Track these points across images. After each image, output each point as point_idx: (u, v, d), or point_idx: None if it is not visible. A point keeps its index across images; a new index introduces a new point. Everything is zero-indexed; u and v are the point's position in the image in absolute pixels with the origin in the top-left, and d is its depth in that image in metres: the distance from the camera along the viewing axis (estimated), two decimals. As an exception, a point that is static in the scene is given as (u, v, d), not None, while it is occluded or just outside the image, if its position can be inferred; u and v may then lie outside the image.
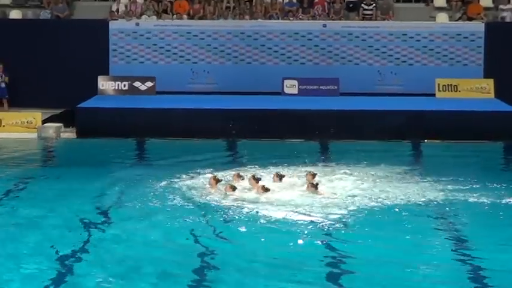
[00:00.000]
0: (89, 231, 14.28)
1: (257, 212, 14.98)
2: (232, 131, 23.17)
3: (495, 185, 17.45)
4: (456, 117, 24.01)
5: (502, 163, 21.97)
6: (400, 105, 25.28)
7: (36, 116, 24.81)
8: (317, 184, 16.44)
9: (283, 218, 14.69)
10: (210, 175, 17.34)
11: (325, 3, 29.43)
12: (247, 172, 17.78)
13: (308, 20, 28.96)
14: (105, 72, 28.22)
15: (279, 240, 13.55)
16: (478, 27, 28.33)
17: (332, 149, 22.79)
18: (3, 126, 24.69)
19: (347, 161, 19.89)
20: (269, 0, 29.53)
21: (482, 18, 28.73)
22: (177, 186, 17.24)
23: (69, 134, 24.37)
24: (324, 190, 16.41)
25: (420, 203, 16.05)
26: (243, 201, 15.68)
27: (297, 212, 15.04)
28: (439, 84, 27.67)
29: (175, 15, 29.06)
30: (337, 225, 14.37)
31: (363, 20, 29.00)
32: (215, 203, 15.72)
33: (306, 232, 13.98)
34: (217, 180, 16.80)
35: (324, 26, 28.53)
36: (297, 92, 27.72)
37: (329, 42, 28.44)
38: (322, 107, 24.66)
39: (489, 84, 27.53)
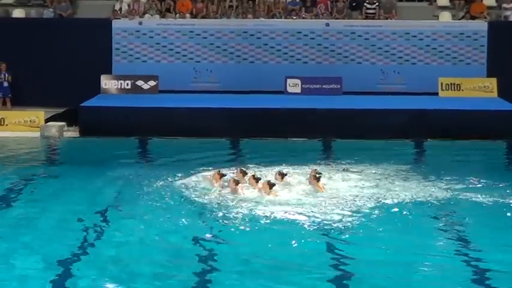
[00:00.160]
0: (91, 229, 14.26)
1: (258, 212, 14.91)
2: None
3: (498, 184, 17.42)
4: (459, 116, 23.99)
5: (505, 162, 21.95)
6: (403, 104, 25.27)
7: (39, 114, 24.83)
8: (319, 177, 16.40)
9: (284, 217, 14.64)
10: (213, 171, 17.29)
11: (328, 2, 29.44)
12: (250, 170, 17.75)
13: (311, 19, 28.96)
14: (108, 71, 28.24)
15: (280, 241, 13.49)
16: (481, 26, 28.31)
17: (335, 148, 22.78)
18: (6, 125, 24.72)
19: (350, 160, 19.87)
20: (272, -1, 29.58)
21: (485, 17, 28.72)
22: (179, 185, 17.21)
23: (72, 133, 24.39)
24: (324, 187, 16.36)
25: (423, 202, 16.00)
26: (244, 201, 15.60)
27: (298, 211, 14.97)
28: (442, 83, 27.67)
29: (178, 14, 29.07)
30: (339, 225, 14.31)
31: (365, 19, 29.00)
32: (217, 202, 15.66)
33: (307, 232, 13.94)
34: (222, 175, 16.75)
35: (327, 25, 28.52)
36: (299, 91, 27.73)
37: (332, 41, 28.43)
38: (325, 106, 24.63)
39: (492, 83, 27.52)
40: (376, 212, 15.12)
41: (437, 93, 27.54)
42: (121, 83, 27.88)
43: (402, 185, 17.24)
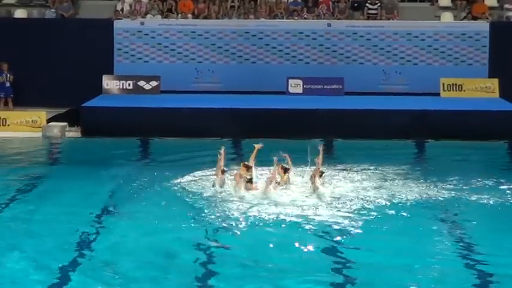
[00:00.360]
0: (92, 230, 14.27)
1: (258, 214, 14.86)
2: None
3: (500, 185, 17.43)
4: (461, 116, 24.00)
5: (507, 163, 21.92)
6: (404, 105, 25.27)
7: (40, 115, 24.84)
8: (321, 174, 16.38)
9: (285, 219, 14.57)
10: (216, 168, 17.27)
11: (330, 3, 29.44)
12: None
13: (313, 19, 28.96)
14: (109, 71, 28.26)
15: (280, 243, 13.43)
16: (482, 26, 28.31)
17: (336, 148, 22.77)
18: (8, 125, 24.73)
19: (351, 160, 19.88)
20: (274, -1, 29.59)
21: (487, 18, 28.72)
22: (181, 185, 17.22)
23: (73, 133, 24.40)
24: (323, 187, 16.35)
25: (425, 203, 15.99)
26: (244, 202, 15.56)
27: (298, 213, 14.93)
28: (443, 84, 27.67)
29: (180, 15, 29.08)
30: (339, 227, 14.27)
31: (367, 19, 29.00)
32: (218, 202, 15.65)
33: (307, 234, 13.90)
34: (223, 171, 16.72)
35: (329, 25, 28.53)
36: (301, 92, 27.74)
37: (334, 42, 28.44)
38: (326, 106, 24.63)
39: (494, 83, 27.53)
40: (378, 213, 15.08)
41: (439, 94, 27.56)
42: (123, 83, 27.90)
43: (404, 185, 17.23)
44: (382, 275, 12.02)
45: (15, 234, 13.99)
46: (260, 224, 14.37)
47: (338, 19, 28.94)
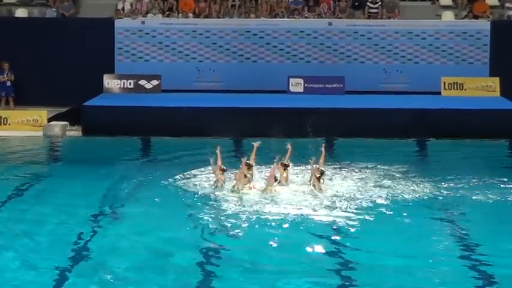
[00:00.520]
0: (93, 229, 14.26)
1: (258, 213, 14.82)
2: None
3: (501, 183, 17.41)
4: (462, 115, 23.99)
5: (508, 161, 21.90)
6: (405, 104, 25.26)
7: (42, 114, 24.85)
8: (320, 177, 16.36)
9: (285, 219, 14.53)
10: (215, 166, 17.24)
11: (331, 2, 29.44)
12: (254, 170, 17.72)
13: (314, 18, 28.96)
14: (110, 70, 28.26)
15: (281, 243, 13.39)
16: (483, 25, 28.30)
17: (337, 147, 22.76)
18: (9, 124, 24.74)
19: (352, 159, 19.83)
20: (275, -2, 29.59)
21: (488, 17, 28.71)
22: (182, 184, 17.21)
23: (74, 132, 24.41)
24: (323, 187, 16.31)
25: (426, 202, 15.98)
26: (245, 201, 15.54)
27: (299, 212, 14.89)
28: (444, 83, 27.66)
29: (180, 14, 29.07)
30: (340, 226, 14.24)
31: (368, 18, 29.01)
32: (220, 201, 15.64)
33: (308, 233, 13.86)
34: (223, 170, 16.70)
35: (330, 24, 28.53)
36: (302, 91, 27.73)
37: (335, 41, 28.43)
38: (327, 105, 24.63)
39: (495, 82, 27.51)
40: (378, 212, 15.04)
41: (440, 93, 27.54)
42: (124, 83, 27.91)
43: (404, 184, 17.20)
44: (382, 276, 11.94)
45: (15, 233, 13.97)
46: (260, 223, 14.32)
47: (339, 18, 28.94)
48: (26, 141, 23.41)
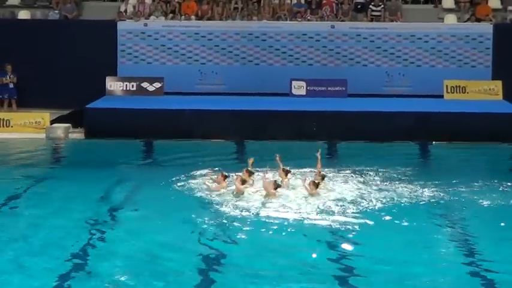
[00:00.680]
0: (94, 232, 14.24)
1: (260, 216, 14.83)
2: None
3: (504, 187, 17.39)
4: (464, 119, 23.98)
5: (511, 165, 21.89)
6: (408, 107, 25.25)
7: (44, 116, 24.86)
8: (318, 184, 16.35)
9: (286, 222, 14.48)
10: (217, 173, 17.26)
11: (334, 4, 29.44)
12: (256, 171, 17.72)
13: (316, 21, 28.97)
14: (113, 72, 28.29)
15: (282, 245, 13.38)
16: (486, 28, 28.30)
17: (339, 150, 22.77)
18: (12, 126, 24.74)
19: (354, 162, 19.79)
20: (277, 1, 29.58)
21: (490, 20, 28.71)
22: (184, 187, 17.19)
23: (77, 134, 24.40)
24: (320, 191, 16.28)
25: (428, 206, 15.94)
26: (247, 204, 15.51)
27: (300, 216, 14.83)
28: (447, 86, 27.67)
29: (183, 16, 29.09)
30: (342, 229, 14.21)
31: (371, 21, 29.00)
32: (221, 205, 15.58)
33: (310, 236, 13.84)
34: (225, 177, 16.72)
35: (332, 27, 28.54)
36: (305, 93, 27.74)
37: (337, 44, 28.45)
38: (330, 108, 24.62)
39: (497, 85, 27.51)
40: (380, 216, 14.97)
41: (442, 96, 27.55)
42: (126, 85, 27.93)
43: (407, 188, 17.17)
44: (383, 283, 11.88)
45: (11, 236, 13.94)
46: (259, 228, 14.26)
47: (341, 21, 28.94)
48: (28, 143, 23.42)
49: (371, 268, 12.38)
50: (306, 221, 14.60)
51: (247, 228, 14.24)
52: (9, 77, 27.86)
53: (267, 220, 14.64)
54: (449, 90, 27.65)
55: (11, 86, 27.93)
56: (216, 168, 18.13)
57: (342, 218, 14.75)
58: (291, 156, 20.46)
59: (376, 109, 24.70)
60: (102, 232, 14.33)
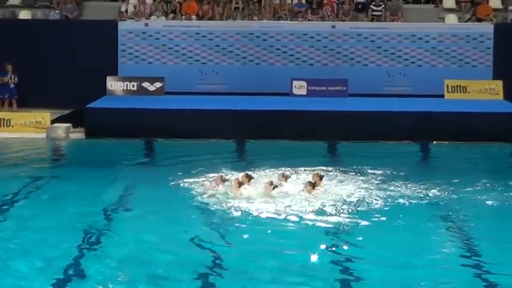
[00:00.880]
0: (95, 231, 14.21)
1: (260, 217, 14.76)
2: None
3: (505, 187, 17.36)
4: (465, 118, 23.97)
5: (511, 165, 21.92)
6: (408, 107, 25.24)
7: (45, 116, 24.86)
8: (315, 183, 16.33)
9: (285, 222, 14.46)
10: (217, 174, 17.25)
11: (334, 4, 29.44)
12: (255, 173, 17.71)
13: (317, 21, 28.96)
14: (113, 72, 28.29)
15: (283, 245, 13.30)
16: (487, 28, 28.30)
17: (340, 150, 22.77)
18: (12, 126, 24.74)
19: (355, 162, 19.78)
20: (278, 1, 29.57)
21: (491, 20, 28.70)
22: (184, 187, 17.16)
23: (78, 134, 24.40)
24: (318, 192, 16.24)
25: (429, 206, 15.91)
26: (247, 205, 15.45)
27: (302, 215, 14.79)
28: (447, 86, 27.67)
29: (184, 16, 29.09)
30: (343, 229, 14.16)
31: (371, 21, 29.00)
32: (221, 205, 15.53)
33: (311, 236, 13.78)
34: (224, 180, 16.74)
35: (333, 27, 28.53)
36: (305, 93, 27.73)
37: (338, 43, 28.44)
38: (330, 108, 24.62)
39: (498, 85, 27.51)
40: (380, 217, 14.89)
41: (443, 96, 27.55)
42: (127, 85, 27.93)
43: (408, 188, 17.13)
44: (384, 282, 11.84)
45: (18, 235, 13.94)
46: (263, 226, 14.26)
47: (342, 21, 28.94)
48: (29, 143, 23.40)
49: (370, 271, 12.29)
50: (303, 222, 14.52)
51: (244, 230, 14.14)
52: (10, 77, 27.85)
53: (263, 222, 14.55)
54: (450, 90, 27.65)
55: (12, 85, 27.93)
56: (217, 171, 18.05)
57: (341, 220, 14.64)
58: (291, 156, 20.56)
59: (377, 109, 24.70)
60: (102, 231, 14.31)
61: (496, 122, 23.86)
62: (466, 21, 29.01)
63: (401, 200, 16.11)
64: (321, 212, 15.06)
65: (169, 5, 29.61)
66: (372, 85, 27.88)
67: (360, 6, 29.55)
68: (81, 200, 16.51)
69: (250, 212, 15.06)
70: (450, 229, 14.65)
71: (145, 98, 27.02)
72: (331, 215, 14.92)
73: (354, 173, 18.46)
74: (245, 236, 13.88)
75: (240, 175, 16.92)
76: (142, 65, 28.55)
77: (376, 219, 14.77)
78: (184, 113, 24.22)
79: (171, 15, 29.30)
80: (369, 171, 18.71)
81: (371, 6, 29.21)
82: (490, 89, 27.57)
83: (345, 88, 27.70)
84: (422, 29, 28.34)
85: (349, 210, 15.24)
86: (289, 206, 15.37)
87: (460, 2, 29.72)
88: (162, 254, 12.95)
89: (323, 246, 13.29)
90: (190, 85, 28.25)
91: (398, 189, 17.03)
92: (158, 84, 27.87)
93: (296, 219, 14.66)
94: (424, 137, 23.39)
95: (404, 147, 22.80)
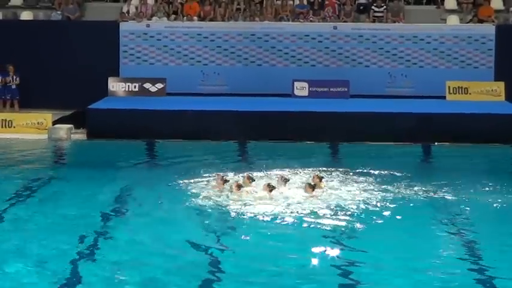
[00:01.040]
0: (96, 232, 14.23)
1: (260, 218, 14.75)
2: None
3: (506, 188, 17.36)
4: (466, 120, 23.95)
5: (513, 166, 21.94)
6: (410, 108, 25.22)
7: (46, 117, 24.88)
8: (314, 185, 16.31)
9: (288, 223, 14.44)
10: (218, 175, 17.24)
11: (336, 5, 29.43)
12: (256, 174, 17.71)
13: (318, 22, 28.95)
14: (115, 73, 28.29)
15: (283, 247, 13.28)
16: (488, 29, 28.28)
17: (341, 151, 22.77)
18: (14, 127, 24.77)
19: (356, 163, 19.76)
20: (280, 2, 29.56)
21: (493, 21, 28.69)
22: (185, 188, 17.18)
23: (79, 135, 24.42)
24: (318, 194, 16.21)
25: (430, 208, 15.93)
26: (247, 206, 15.44)
27: (300, 217, 14.75)
28: (449, 87, 27.66)
29: (185, 17, 29.09)
30: (343, 230, 14.14)
31: (373, 22, 28.99)
32: (221, 208, 15.53)
33: (309, 238, 13.71)
34: (225, 181, 16.74)
35: (335, 28, 28.52)
36: (307, 94, 27.72)
37: (339, 44, 28.43)
38: (332, 109, 24.62)
39: (500, 87, 27.50)
40: (381, 219, 14.88)
41: (444, 97, 27.53)
42: (128, 86, 27.94)
43: (409, 189, 17.15)
44: (386, 279, 11.86)
45: (12, 236, 13.94)
46: (263, 228, 14.24)
47: (344, 22, 28.92)
48: (30, 144, 23.44)
49: (371, 274, 12.25)
50: (301, 224, 14.47)
51: (242, 233, 14.10)
52: (12, 78, 27.85)
53: (261, 224, 14.51)
54: (451, 91, 27.64)
55: (13, 86, 27.93)
56: (218, 172, 18.00)
57: (342, 222, 14.59)
58: (293, 157, 20.57)
59: (378, 110, 24.68)
60: (103, 232, 14.34)
61: (497, 123, 23.84)
62: (467, 23, 29.00)
63: (402, 202, 16.11)
64: (320, 214, 15.03)
65: (170, 6, 29.61)
66: (373, 86, 27.87)
67: (361, 7, 29.55)
68: (82, 201, 16.52)
69: (249, 214, 15.04)
70: (451, 232, 14.63)
71: (147, 99, 27.03)
72: (330, 217, 14.89)
73: (354, 175, 18.46)
74: (243, 239, 13.85)
75: (242, 177, 16.92)
76: (144, 66, 28.55)
77: (376, 221, 14.76)
78: (186, 114, 24.22)
79: (173, 16, 29.30)
80: (370, 172, 18.72)
81: (373, 7, 29.20)
82: (492, 90, 27.56)
83: (346, 89, 27.68)
84: (424, 30, 28.33)
85: (349, 212, 15.21)
86: (288, 208, 15.33)
87: (461, 3, 29.71)
88: (159, 257, 12.91)
89: (322, 249, 13.21)
90: (192, 86, 28.25)
91: (400, 190, 17.04)
92: (160, 85, 27.87)
93: (294, 221, 14.62)
94: (425, 139, 23.38)
95: (406, 148, 22.78)
